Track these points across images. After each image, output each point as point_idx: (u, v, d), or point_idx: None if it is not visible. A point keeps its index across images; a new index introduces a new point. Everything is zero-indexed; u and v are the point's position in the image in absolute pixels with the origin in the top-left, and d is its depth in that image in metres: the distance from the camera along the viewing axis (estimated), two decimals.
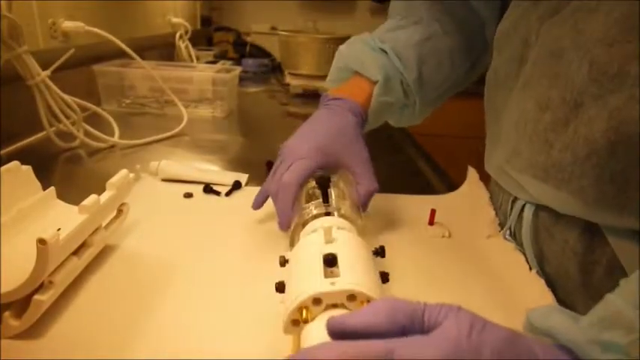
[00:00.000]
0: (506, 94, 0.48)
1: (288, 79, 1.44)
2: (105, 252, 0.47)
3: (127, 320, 0.38)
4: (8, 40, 0.67)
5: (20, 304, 0.35)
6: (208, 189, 0.63)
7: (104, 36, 0.88)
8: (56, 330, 0.37)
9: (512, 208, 0.49)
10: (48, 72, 0.73)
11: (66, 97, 0.76)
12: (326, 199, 0.43)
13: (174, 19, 1.50)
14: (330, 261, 0.32)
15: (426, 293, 0.44)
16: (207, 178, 0.65)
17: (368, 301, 0.29)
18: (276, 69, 1.78)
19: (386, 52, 0.58)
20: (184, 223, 0.55)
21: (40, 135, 0.79)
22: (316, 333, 0.28)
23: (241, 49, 1.95)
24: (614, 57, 0.34)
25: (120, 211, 0.49)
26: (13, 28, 0.67)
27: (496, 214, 0.55)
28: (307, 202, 0.46)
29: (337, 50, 0.62)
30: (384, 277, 0.35)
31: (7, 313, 0.35)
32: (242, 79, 1.30)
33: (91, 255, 0.43)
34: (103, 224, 0.46)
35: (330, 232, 0.35)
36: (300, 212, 0.45)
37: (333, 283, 0.30)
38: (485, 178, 0.61)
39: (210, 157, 0.82)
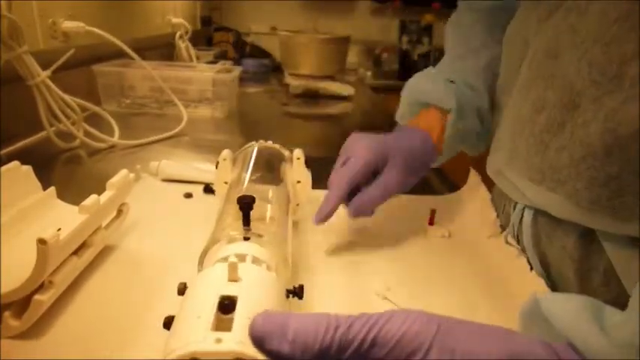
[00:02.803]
0: (506, 96, 0.48)
1: (288, 79, 1.44)
2: (105, 252, 0.47)
3: (127, 320, 0.38)
4: (8, 40, 0.67)
5: (20, 304, 0.35)
6: (208, 189, 0.63)
7: (104, 36, 0.88)
8: (56, 330, 0.37)
9: (514, 212, 0.49)
10: (48, 72, 0.73)
11: (66, 97, 0.76)
12: (247, 221, 0.37)
13: (175, 19, 1.50)
14: (227, 307, 0.26)
15: (426, 293, 0.44)
16: (207, 178, 0.65)
17: None
18: (276, 69, 1.78)
19: (454, 83, 0.55)
20: (184, 223, 0.55)
21: (40, 135, 0.79)
22: None
23: (241, 50, 1.95)
24: (612, 57, 0.33)
25: (120, 211, 0.49)
26: (13, 28, 0.66)
27: (499, 217, 0.55)
28: (234, 220, 0.40)
29: (404, 87, 0.59)
30: None
31: (7, 313, 0.35)
32: (242, 79, 1.30)
33: (91, 255, 0.43)
34: (103, 224, 0.46)
35: (235, 268, 0.29)
36: (216, 232, 0.39)
37: (219, 340, 0.24)
38: (487, 180, 0.61)
39: (210, 157, 0.81)
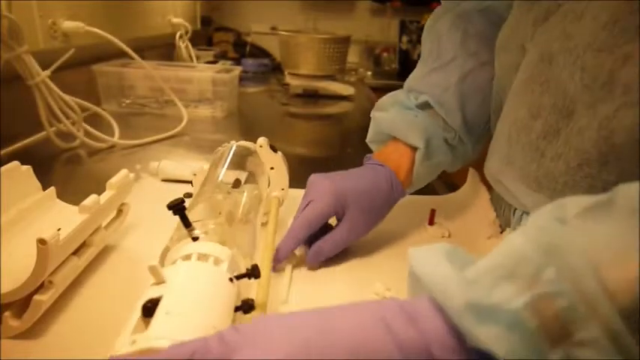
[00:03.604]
0: (502, 101, 0.47)
1: (288, 79, 1.44)
2: (105, 252, 0.47)
3: (127, 320, 0.38)
4: (8, 40, 0.67)
5: (20, 304, 0.35)
6: None
7: (104, 36, 0.88)
8: (56, 330, 0.37)
9: (513, 217, 0.49)
10: (48, 72, 0.73)
11: (66, 97, 0.76)
12: (186, 223, 0.37)
13: (175, 19, 1.50)
14: (148, 309, 0.28)
15: None
16: None
17: None
18: (276, 69, 1.78)
19: (424, 108, 0.54)
20: None
21: (40, 135, 0.80)
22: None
23: (241, 49, 1.95)
24: (604, 63, 0.33)
25: (120, 211, 0.49)
26: (13, 28, 0.67)
27: (498, 217, 0.54)
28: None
29: (372, 115, 0.58)
30: (248, 307, 0.32)
31: (7, 313, 0.35)
32: (242, 79, 1.30)
33: (91, 255, 0.43)
34: (103, 224, 0.46)
35: (155, 271, 0.30)
36: (172, 237, 0.40)
37: (133, 342, 0.26)
38: (486, 179, 0.61)
39: (211, 157, 0.82)
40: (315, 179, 0.51)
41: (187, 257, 0.33)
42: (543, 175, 0.38)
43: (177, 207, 0.37)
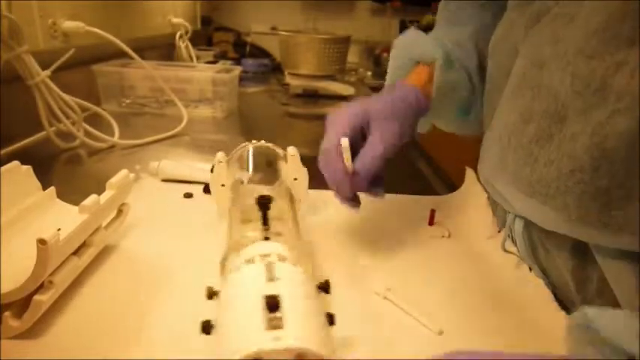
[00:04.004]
0: (495, 102, 0.47)
1: (288, 79, 1.44)
2: (105, 252, 0.47)
3: (127, 320, 0.38)
4: (8, 40, 0.67)
5: (20, 304, 0.35)
6: (208, 189, 0.63)
7: (104, 36, 0.88)
8: (56, 330, 0.37)
9: (507, 219, 0.48)
10: (48, 72, 0.73)
11: (66, 97, 0.76)
12: (266, 220, 0.38)
13: (175, 19, 1.50)
14: (273, 305, 0.27)
15: (426, 293, 0.44)
16: (207, 178, 0.65)
17: None
18: (276, 69, 1.78)
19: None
20: (184, 223, 0.55)
21: (40, 135, 0.79)
22: None
23: (241, 49, 1.95)
24: (596, 69, 0.33)
25: (120, 211, 0.49)
26: (13, 28, 0.67)
27: (495, 217, 0.54)
28: (243, 222, 0.41)
29: (391, 51, 0.57)
30: (330, 320, 0.32)
31: (7, 313, 0.35)
32: (242, 79, 1.30)
33: (91, 255, 0.43)
34: (103, 224, 0.46)
35: (272, 267, 0.30)
36: (234, 235, 0.40)
37: (277, 338, 0.25)
38: None
39: (210, 157, 0.81)
40: (333, 111, 0.50)
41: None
42: (536, 180, 0.38)
43: (264, 202, 0.38)
